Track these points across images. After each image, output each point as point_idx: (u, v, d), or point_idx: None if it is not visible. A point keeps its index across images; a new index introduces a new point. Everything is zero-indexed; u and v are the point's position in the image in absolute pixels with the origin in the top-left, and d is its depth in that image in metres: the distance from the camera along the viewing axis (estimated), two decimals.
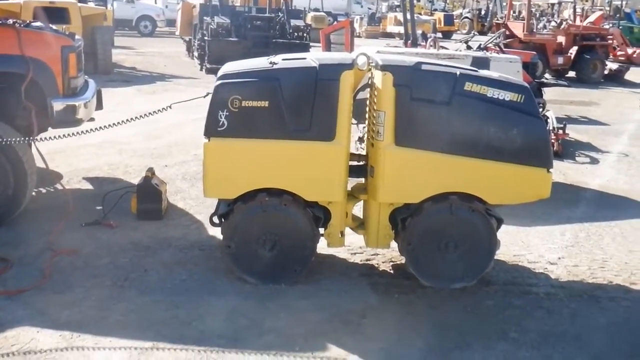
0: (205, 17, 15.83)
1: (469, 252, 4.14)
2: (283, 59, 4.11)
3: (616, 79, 17.12)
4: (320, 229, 4.24)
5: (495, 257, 4.67)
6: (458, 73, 4.02)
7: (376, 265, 4.56)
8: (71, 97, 5.33)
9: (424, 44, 8.76)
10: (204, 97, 4.31)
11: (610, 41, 18.22)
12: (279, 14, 16.79)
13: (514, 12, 23.90)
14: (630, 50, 19.28)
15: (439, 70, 4.12)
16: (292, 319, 3.78)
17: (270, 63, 4.01)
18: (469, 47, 8.87)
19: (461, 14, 36.64)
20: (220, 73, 4.07)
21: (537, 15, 23.25)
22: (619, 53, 19.18)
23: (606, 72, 16.99)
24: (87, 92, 5.70)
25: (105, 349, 3.38)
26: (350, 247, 4.86)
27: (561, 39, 16.74)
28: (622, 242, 5.28)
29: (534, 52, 11.26)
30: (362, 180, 4.37)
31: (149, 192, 5.27)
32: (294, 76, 3.97)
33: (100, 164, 6.96)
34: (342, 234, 4.30)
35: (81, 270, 4.29)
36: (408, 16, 9.50)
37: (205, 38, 15.33)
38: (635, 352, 3.59)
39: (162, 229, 5.11)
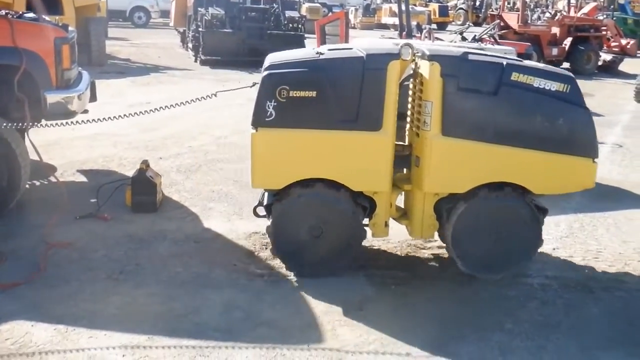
0: (199, 9, 15.75)
1: (514, 242, 4.17)
2: (329, 49, 4.11)
3: (610, 70, 17.15)
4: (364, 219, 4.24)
5: None
6: (505, 63, 4.02)
7: (373, 257, 4.56)
8: (65, 89, 5.30)
9: (418, 35, 8.74)
10: (251, 86, 4.29)
11: (604, 32, 18.24)
12: (274, 5, 16.72)
13: (509, 3, 23.86)
14: (624, 41, 19.30)
15: (486, 60, 4.12)
16: (288, 311, 3.78)
17: (317, 53, 4.01)
18: (463, 39, 8.86)
19: (456, 5, 36.59)
20: (267, 63, 4.03)
21: (532, 6, 23.21)
22: (612, 44, 19.21)
23: (600, 63, 17.02)
24: (81, 84, 5.66)
25: (100, 342, 3.38)
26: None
27: (555, 30, 16.75)
28: (615, 232, 5.31)
29: (529, 44, 11.27)
30: (403, 170, 4.36)
31: (144, 185, 5.26)
32: (342, 66, 3.95)
33: (94, 156, 6.93)
34: (387, 224, 4.29)
35: (76, 264, 4.28)
36: (403, 7, 9.47)
37: (200, 29, 15.26)
38: (629, 342, 3.61)
39: (157, 221, 5.09)
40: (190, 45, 16.66)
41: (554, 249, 4.84)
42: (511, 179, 4.08)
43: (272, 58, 4.16)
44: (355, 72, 3.90)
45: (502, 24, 15.76)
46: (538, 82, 3.97)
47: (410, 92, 4.36)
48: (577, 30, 16.86)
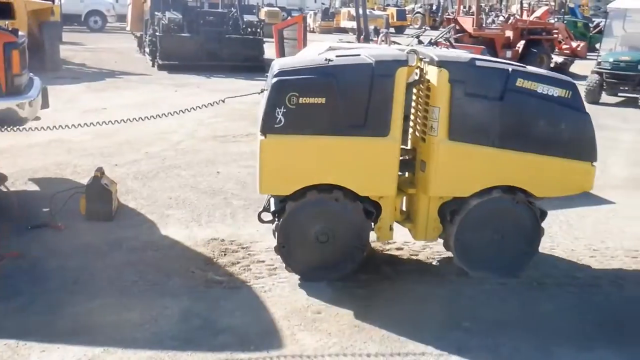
0: (156, 13, 15.54)
1: (516, 244, 4.28)
2: (337, 56, 4.12)
3: (562, 71, 17.59)
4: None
5: (443, 249, 4.75)
6: (510, 69, 4.11)
7: None
8: (15, 95, 5.16)
9: (375, 39, 8.81)
10: (260, 93, 4.24)
11: (555, 35, 18.72)
12: (232, 9, 16.63)
13: (464, 7, 24.23)
14: (574, 44, 19.86)
15: (492, 66, 4.20)
16: (247, 317, 3.76)
17: (326, 60, 4.00)
18: (420, 42, 8.97)
19: (413, 9, 37.06)
20: (275, 69, 4.00)
21: (487, 10, 23.66)
22: (564, 47, 19.74)
23: (552, 65, 17.46)
24: (32, 90, 5.53)
25: (53, 356, 3.29)
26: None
27: (509, 33, 17.10)
28: (568, 230, 5.44)
29: (484, 47, 11.48)
30: (405, 174, 4.40)
31: (99, 192, 5.15)
32: (351, 72, 3.97)
33: (47, 164, 6.76)
34: (391, 228, 4.32)
35: (27, 274, 4.16)
36: (360, 11, 9.53)
37: (157, 34, 15.06)
38: (582, 336, 3.70)
39: (113, 230, 5.00)
40: (147, 49, 16.41)
41: None
42: (514, 182, 4.19)
43: (281, 64, 4.13)
44: (364, 79, 3.92)
45: (457, 27, 16.02)
46: (542, 88, 4.08)
47: (414, 97, 4.40)
48: (530, 33, 17.25)
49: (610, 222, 5.66)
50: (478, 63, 4.13)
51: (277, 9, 28.16)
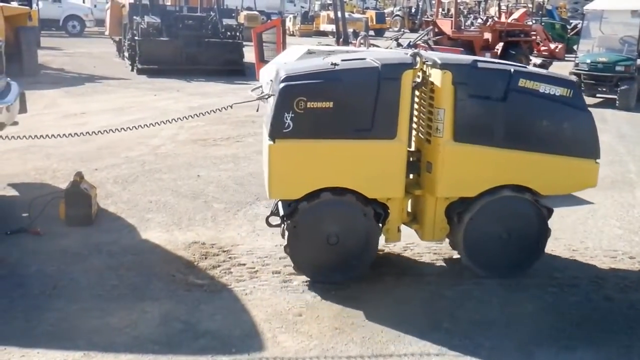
0: (135, 17, 15.47)
1: (523, 242, 4.33)
2: (342, 60, 4.14)
3: None
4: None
5: (425, 250, 4.79)
6: (512, 70, 4.16)
7: None
8: None
9: (355, 41, 8.85)
10: (266, 98, 4.25)
11: (533, 37, 18.93)
12: (211, 13, 16.60)
13: (443, 10, 24.44)
14: (552, 46, 20.10)
15: (494, 67, 4.27)
16: (228, 320, 3.75)
17: (332, 64, 4.03)
18: (399, 45, 9.04)
19: (392, 12, 37.25)
20: (282, 75, 3.99)
21: (465, 12, 23.86)
22: (542, 48, 19.97)
23: (531, 66, 17.64)
24: (9, 95, 5.49)
25: None
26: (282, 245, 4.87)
27: (488, 35, 17.25)
28: None
29: (462, 49, 11.58)
30: (409, 176, 4.42)
31: (78, 197, 5.11)
32: (357, 76, 4.00)
33: (26, 169, 6.70)
34: (399, 229, 4.35)
35: (6, 280, 4.12)
36: (339, 15, 9.58)
37: (136, 38, 14.99)
38: (562, 336, 3.74)
39: (93, 234, 4.96)
40: (126, 54, 16.33)
41: None
42: (520, 181, 4.25)
43: (285, 69, 4.12)
44: (371, 82, 3.95)
45: (436, 30, 16.14)
46: (544, 88, 4.15)
47: (417, 100, 4.44)
48: (508, 35, 17.41)
49: (589, 223, 5.73)
50: (480, 65, 4.21)
51: (256, 12, 28.13)
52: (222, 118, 9.46)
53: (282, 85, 3.92)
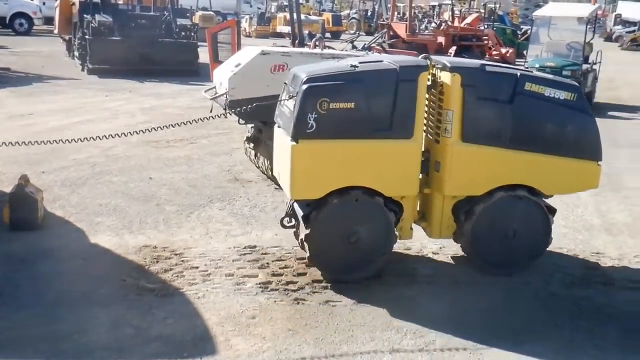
0: (85, 15, 15.10)
1: (527, 240, 4.48)
2: (360, 62, 4.24)
3: None
4: None
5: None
6: (519, 74, 4.31)
7: (266, 265, 4.56)
8: None
9: (310, 43, 8.86)
10: (288, 99, 4.24)
11: (485, 41, 19.30)
12: (165, 12, 16.36)
13: (398, 13, 24.71)
14: (503, 50, 20.47)
15: (502, 71, 4.43)
16: (180, 325, 3.70)
17: (352, 66, 4.12)
18: (354, 47, 9.09)
19: (349, 14, 37.44)
20: (303, 77, 4.05)
21: (420, 16, 24.20)
22: (494, 53, 20.32)
23: None
24: None
25: None
26: (239, 247, 4.84)
27: (441, 39, 17.52)
28: None
29: (416, 52, 11.72)
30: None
31: (23, 201, 4.96)
32: (377, 78, 4.12)
33: None
34: (411, 227, 4.46)
35: None
36: (295, 16, 9.56)
37: (87, 37, 14.64)
38: (512, 332, 3.82)
39: (39, 239, 4.82)
40: (76, 53, 15.92)
41: (441, 247, 5.04)
42: (524, 181, 4.40)
43: (308, 71, 4.15)
44: (390, 84, 4.08)
45: (391, 33, 16.31)
46: (549, 92, 4.32)
47: (427, 102, 4.50)
48: (461, 39, 17.73)
49: None
50: (489, 68, 4.37)
51: (211, 13, 27.86)
52: (176, 119, 9.31)
53: (305, 86, 4.00)
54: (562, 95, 4.35)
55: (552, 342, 3.72)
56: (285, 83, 4.45)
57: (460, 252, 5.00)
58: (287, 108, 4.23)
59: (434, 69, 4.40)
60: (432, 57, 4.55)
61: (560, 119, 4.39)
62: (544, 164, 4.40)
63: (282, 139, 4.29)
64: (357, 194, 4.17)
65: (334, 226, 4.19)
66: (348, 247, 4.23)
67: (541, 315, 4.06)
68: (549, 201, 4.56)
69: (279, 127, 4.48)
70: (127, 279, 4.22)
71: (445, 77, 4.28)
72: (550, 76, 4.61)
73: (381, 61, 4.34)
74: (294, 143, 4.01)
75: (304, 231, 4.20)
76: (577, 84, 4.53)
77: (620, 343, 3.76)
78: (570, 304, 4.21)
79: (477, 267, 4.56)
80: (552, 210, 4.56)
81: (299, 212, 4.31)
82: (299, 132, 3.99)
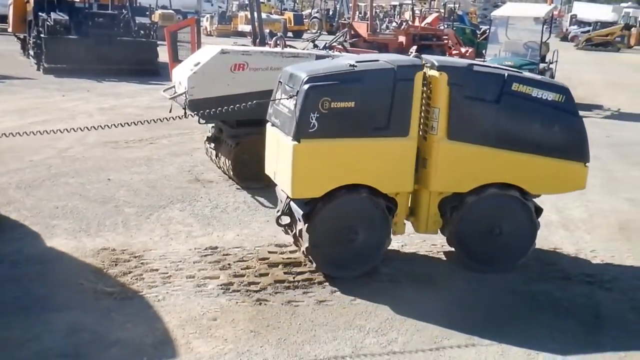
0: (40, 13, 14.75)
1: (513, 238, 4.53)
2: (357, 61, 4.28)
3: None
4: None
5: None
6: (506, 74, 4.35)
7: (227, 266, 4.51)
8: None
9: (270, 42, 8.82)
10: (290, 97, 4.19)
11: (445, 41, 19.55)
12: (123, 11, 16.09)
13: (360, 13, 24.84)
14: (463, 50, 20.75)
15: (489, 71, 4.48)
16: (140, 328, 3.63)
17: (351, 66, 4.17)
18: (315, 46, 9.06)
19: (311, 14, 37.45)
20: (304, 76, 4.07)
21: (381, 16, 24.35)
22: (454, 52, 20.58)
23: None
24: None
25: None
26: (200, 248, 4.79)
27: (402, 38, 17.67)
28: None
29: (377, 51, 11.79)
30: None
31: None
32: (376, 77, 4.18)
33: None
34: (404, 222, 4.55)
35: None
36: (255, 15, 9.51)
37: (42, 35, 14.31)
38: (468, 328, 3.86)
39: None
40: (31, 52, 15.53)
41: (402, 245, 5.08)
42: (510, 180, 4.45)
43: (306, 71, 4.16)
44: (388, 83, 4.15)
45: (352, 32, 16.36)
46: (536, 92, 4.36)
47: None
48: (422, 38, 17.91)
49: None
50: (476, 68, 4.43)
51: (171, 11, 27.53)
52: (134, 120, 9.17)
53: (307, 86, 4.01)
54: (550, 96, 4.39)
55: (512, 338, 3.78)
56: (280, 82, 4.47)
57: (422, 250, 5.06)
58: (285, 107, 4.25)
59: (425, 67, 4.45)
60: (423, 56, 4.63)
61: (547, 120, 4.43)
62: (530, 164, 4.45)
63: (278, 139, 4.32)
64: (357, 192, 4.24)
65: (333, 224, 4.25)
66: (347, 244, 4.30)
67: (500, 311, 4.11)
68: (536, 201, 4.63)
69: (273, 126, 4.49)
70: (84, 283, 4.12)
71: (433, 75, 4.35)
72: (539, 77, 4.65)
73: (377, 60, 4.40)
74: (296, 142, 4.04)
75: (301, 228, 4.26)
76: (566, 86, 4.57)
77: (578, 337, 3.84)
78: (529, 299, 4.28)
79: (461, 264, 4.64)
80: (539, 210, 4.62)
81: (298, 211, 4.34)
82: (301, 132, 4.03)
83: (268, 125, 4.58)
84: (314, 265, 4.39)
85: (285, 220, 4.52)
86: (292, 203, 4.41)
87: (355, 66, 4.18)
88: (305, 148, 4.06)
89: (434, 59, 4.45)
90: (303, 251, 4.40)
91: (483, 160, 4.40)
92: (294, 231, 4.48)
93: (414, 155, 4.33)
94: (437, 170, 4.35)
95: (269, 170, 4.64)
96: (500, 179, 4.46)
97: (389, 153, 4.26)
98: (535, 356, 3.62)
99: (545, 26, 12.93)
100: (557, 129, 4.47)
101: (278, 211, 4.58)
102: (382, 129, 4.19)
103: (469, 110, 4.32)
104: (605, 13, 41.96)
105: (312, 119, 4.01)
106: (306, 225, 4.21)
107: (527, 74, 4.68)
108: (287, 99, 4.23)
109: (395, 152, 4.28)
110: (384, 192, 4.33)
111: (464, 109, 4.31)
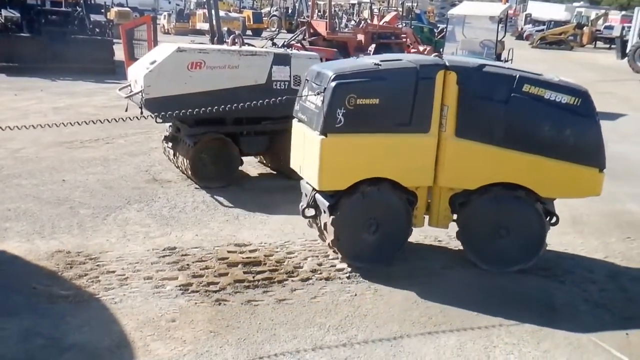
0: None
1: (520, 238, 4.56)
2: (382, 60, 4.44)
3: None
4: None
5: (300, 247, 4.84)
6: (517, 75, 4.38)
7: (186, 266, 4.47)
8: None
9: (228, 40, 8.75)
10: (317, 94, 4.32)
11: (404, 39, 19.73)
12: (77, 8, 15.74)
13: (319, 11, 24.86)
14: (421, 48, 20.98)
15: (499, 72, 4.53)
16: (96, 332, 3.57)
17: (375, 64, 4.34)
18: (274, 44, 9.03)
19: (270, 12, 37.31)
20: (330, 74, 4.25)
21: (340, 14, 24.42)
22: (412, 50, 20.81)
23: None
24: None
25: None
26: (158, 249, 4.73)
27: (361, 37, 17.73)
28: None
29: (336, 50, 11.82)
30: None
31: None
32: (399, 75, 4.35)
33: None
34: (423, 215, 4.71)
35: None
36: (213, 13, 9.41)
37: None
38: (429, 323, 3.92)
39: None
40: None
41: None
42: (519, 181, 4.50)
43: (333, 68, 4.34)
44: (410, 81, 4.32)
45: (311, 30, 16.35)
46: (549, 95, 4.39)
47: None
48: (380, 37, 18.00)
49: None
50: (487, 69, 4.50)
51: (128, 9, 27.06)
52: (90, 119, 8.99)
53: (334, 83, 4.19)
54: (564, 99, 4.39)
55: (468, 332, 3.85)
56: (306, 80, 4.61)
57: None
58: (312, 104, 4.40)
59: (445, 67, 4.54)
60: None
61: (558, 123, 4.43)
62: (539, 166, 4.47)
63: (305, 134, 4.47)
64: (380, 185, 4.39)
65: (358, 216, 4.41)
66: (372, 234, 4.45)
67: (457, 305, 4.17)
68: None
69: (300, 122, 4.64)
70: (38, 287, 4.03)
71: (444, 73, 4.43)
72: (556, 80, 4.57)
73: (400, 59, 4.55)
74: (323, 137, 4.19)
75: (326, 221, 4.42)
76: (585, 89, 4.52)
77: (533, 329, 3.93)
78: (484, 294, 4.36)
79: (470, 261, 4.71)
80: (551, 214, 4.62)
81: (323, 203, 4.46)
82: (328, 127, 4.19)
83: (294, 121, 4.75)
84: (339, 256, 4.58)
85: (310, 212, 4.66)
86: (317, 195, 4.54)
87: (380, 65, 4.35)
88: (331, 142, 4.23)
89: (446, 58, 4.57)
90: (328, 243, 4.57)
91: (490, 159, 4.48)
92: (319, 224, 4.65)
93: (435, 150, 4.45)
94: (444, 166, 4.47)
95: (294, 164, 4.78)
96: (508, 179, 4.52)
97: (410, 148, 4.42)
98: (492, 349, 3.69)
99: (500, 25, 13.17)
100: (569, 132, 4.45)
101: (303, 205, 4.74)
102: (404, 125, 4.35)
103: (477, 110, 4.42)
104: (558, 12, 42.95)
105: (339, 115, 4.18)
106: (331, 217, 4.36)
107: (545, 76, 4.62)
108: (315, 95, 4.38)
109: (417, 148, 4.43)
110: (405, 185, 4.49)
111: (472, 108, 4.41)
